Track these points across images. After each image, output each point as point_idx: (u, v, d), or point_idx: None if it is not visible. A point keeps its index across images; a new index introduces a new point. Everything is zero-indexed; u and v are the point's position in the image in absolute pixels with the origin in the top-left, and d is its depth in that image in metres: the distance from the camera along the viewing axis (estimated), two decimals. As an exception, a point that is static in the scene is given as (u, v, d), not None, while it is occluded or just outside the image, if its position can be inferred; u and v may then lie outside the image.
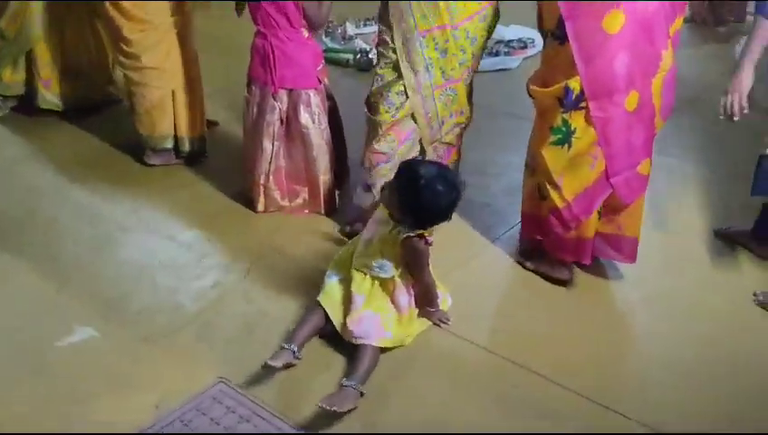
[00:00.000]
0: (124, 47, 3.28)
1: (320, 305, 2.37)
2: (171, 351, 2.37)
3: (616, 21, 2.30)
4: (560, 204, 2.55)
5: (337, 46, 5.25)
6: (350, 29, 5.45)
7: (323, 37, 5.35)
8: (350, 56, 5.02)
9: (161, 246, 2.95)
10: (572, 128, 2.46)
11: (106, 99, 4.13)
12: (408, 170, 2.23)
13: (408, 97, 2.75)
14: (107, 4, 3.21)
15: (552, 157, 2.52)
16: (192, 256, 2.89)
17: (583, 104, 2.40)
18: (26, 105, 3.99)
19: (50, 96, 3.92)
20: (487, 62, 5.09)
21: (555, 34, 2.45)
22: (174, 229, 3.06)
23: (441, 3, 2.62)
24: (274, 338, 2.38)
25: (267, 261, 2.83)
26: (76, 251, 2.90)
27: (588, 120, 2.42)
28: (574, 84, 2.39)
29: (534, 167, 2.66)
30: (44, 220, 3.10)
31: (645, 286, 2.74)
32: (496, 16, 2.81)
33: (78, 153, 3.68)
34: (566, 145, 2.49)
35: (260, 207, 3.13)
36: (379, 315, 2.33)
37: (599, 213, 2.60)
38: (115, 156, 3.66)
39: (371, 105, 2.83)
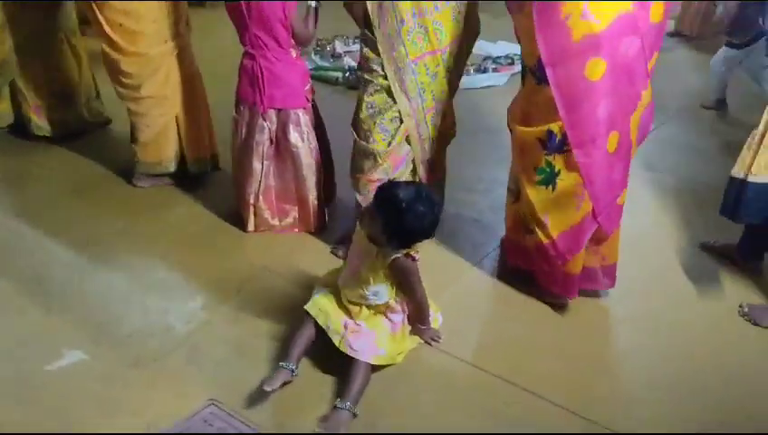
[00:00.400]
0: (123, 79, 3.25)
1: (309, 316, 2.37)
2: (161, 373, 2.36)
3: (597, 68, 2.29)
4: (545, 240, 2.56)
5: (326, 64, 5.28)
6: (339, 47, 5.50)
7: (312, 55, 5.39)
8: (340, 74, 5.05)
9: (151, 268, 2.94)
10: (556, 169, 2.46)
11: (94, 121, 4.13)
12: (387, 195, 2.22)
13: (401, 122, 2.75)
14: (102, 43, 3.19)
15: (536, 195, 2.53)
16: (182, 277, 2.88)
17: (567, 147, 2.40)
18: (17, 132, 4.01)
19: (42, 122, 3.94)
20: (475, 79, 5.15)
21: (535, 74, 2.44)
22: (164, 250, 3.06)
23: (430, 27, 2.64)
24: (265, 359, 2.38)
25: (257, 281, 2.82)
26: (65, 274, 2.88)
27: (571, 162, 2.41)
28: (557, 129, 2.40)
29: (517, 194, 2.67)
30: (33, 243, 3.09)
31: (630, 302, 2.76)
32: (475, 36, 2.84)
33: (67, 175, 3.68)
34: (550, 186, 2.49)
35: (250, 226, 3.14)
36: (374, 332, 2.34)
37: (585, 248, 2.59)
38: (105, 177, 3.66)
39: (363, 132, 2.77)
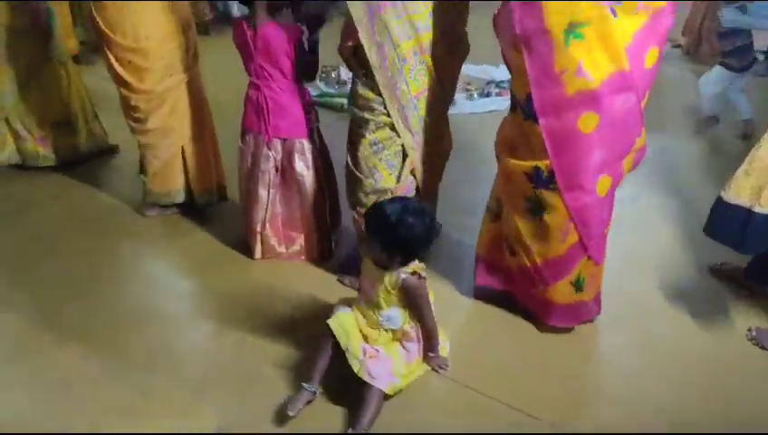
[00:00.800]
0: (132, 114, 3.30)
1: (328, 334, 2.35)
2: (170, 402, 2.36)
3: (590, 122, 2.28)
4: (529, 264, 2.57)
5: (332, 91, 5.33)
6: (344, 74, 5.54)
7: (318, 82, 5.44)
8: (345, 101, 5.05)
9: (161, 296, 2.96)
10: (543, 203, 2.46)
11: (97, 144, 4.20)
12: (376, 216, 2.26)
13: (405, 156, 2.76)
14: (113, 79, 3.26)
15: (522, 223, 2.54)
16: (191, 306, 2.90)
17: (554, 185, 2.40)
18: (23, 167, 4.07)
19: (48, 152, 4.01)
20: (478, 104, 5.19)
21: (524, 109, 2.40)
22: (173, 278, 3.08)
23: (429, 61, 2.66)
24: (274, 386, 2.39)
25: (265, 309, 2.83)
26: (74, 303, 2.90)
27: (559, 199, 2.41)
28: (544, 166, 2.38)
29: (497, 214, 2.68)
30: (42, 272, 3.11)
31: (634, 326, 2.76)
32: (466, 55, 2.87)
33: (74, 204, 3.71)
34: (537, 217, 2.50)
35: (257, 254, 3.16)
36: (390, 359, 2.36)
37: (573, 286, 2.57)
38: (113, 206, 3.69)
39: (367, 169, 2.75)
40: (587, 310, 2.68)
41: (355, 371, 2.31)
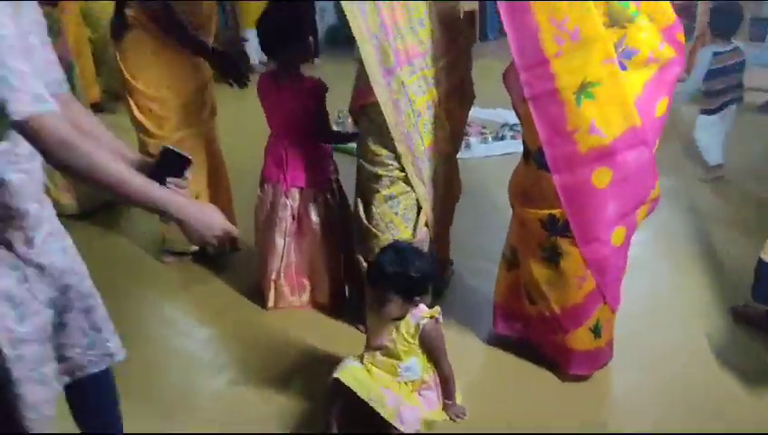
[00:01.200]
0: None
1: (341, 386, 2.30)
2: (187, 453, 2.37)
3: (605, 177, 2.28)
4: (548, 312, 2.56)
5: (347, 135, 5.38)
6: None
7: (334, 128, 5.49)
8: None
9: (178, 344, 2.98)
10: (559, 251, 2.45)
11: None
12: (377, 268, 2.27)
13: (419, 208, 2.78)
14: (134, 126, 3.35)
15: (539, 271, 2.53)
16: (208, 354, 2.91)
17: (570, 233, 2.39)
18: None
19: (70, 201, 4.08)
20: (493, 147, 5.22)
21: (537, 160, 2.40)
22: (190, 326, 3.10)
23: (441, 113, 2.71)
24: (291, 436, 2.38)
25: (280, 358, 2.84)
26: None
27: (575, 246, 2.40)
28: (559, 214, 2.39)
29: (513, 262, 2.67)
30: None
31: (656, 372, 2.71)
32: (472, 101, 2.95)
33: (93, 250, 3.72)
34: (554, 264, 2.49)
35: (270, 302, 3.17)
36: (417, 408, 2.35)
37: (592, 332, 2.55)
38: (130, 252, 3.75)
39: (383, 224, 2.74)
40: (603, 355, 2.66)
41: (386, 417, 2.24)
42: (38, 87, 1.42)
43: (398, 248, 2.31)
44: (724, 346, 2.84)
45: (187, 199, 1.66)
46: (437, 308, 2.34)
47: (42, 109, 1.41)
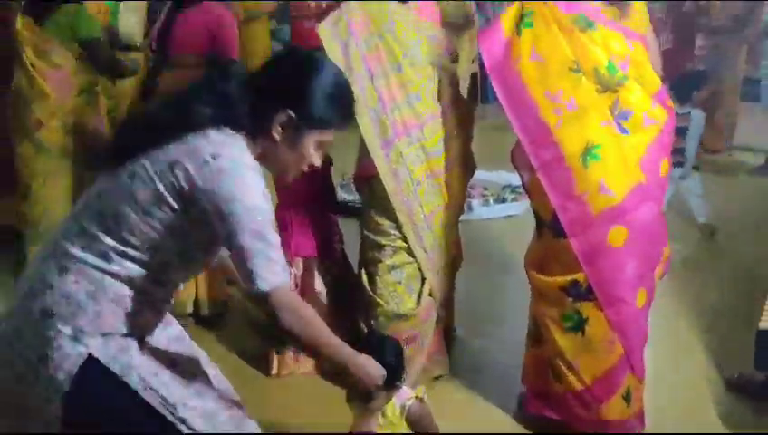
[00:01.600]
0: None
1: None
2: None
3: (619, 235, 2.32)
4: (578, 386, 2.47)
5: (351, 197, 5.39)
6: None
7: (338, 190, 5.51)
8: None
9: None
10: (584, 316, 2.42)
11: None
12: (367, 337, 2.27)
13: (423, 278, 2.79)
14: None
15: (564, 342, 2.48)
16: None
17: (593, 296, 2.39)
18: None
19: None
20: (494, 209, 5.22)
21: (553, 228, 2.43)
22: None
23: (441, 183, 2.75)
24: None
25: (285, 427, 2.77)
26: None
27: (599, 311, 2.39)
28: (582, 278, 2.38)
29: (537, 337, 2.62)
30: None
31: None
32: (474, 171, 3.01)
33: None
34: (579, 332, 2.45)
35: (273, 370, 3.12)
36: None
37: (624, 400, 2.49)
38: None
39: (387, 295, 2.77)
40: (635, 425, 2.56)
41: None
42: (283, 258, 1.52)
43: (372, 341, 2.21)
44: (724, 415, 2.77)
45: (360, 355, 1.79)
46: (421, 388, 2.25)
47: (286, 279, 1.51)
